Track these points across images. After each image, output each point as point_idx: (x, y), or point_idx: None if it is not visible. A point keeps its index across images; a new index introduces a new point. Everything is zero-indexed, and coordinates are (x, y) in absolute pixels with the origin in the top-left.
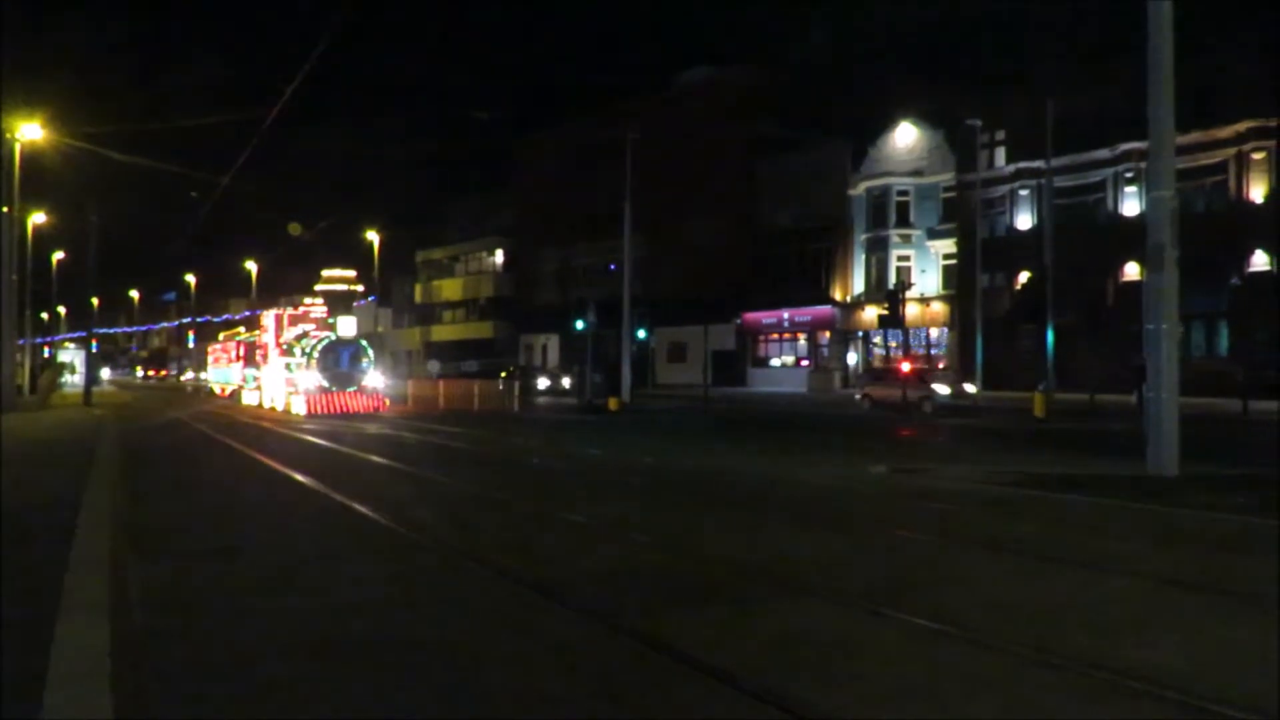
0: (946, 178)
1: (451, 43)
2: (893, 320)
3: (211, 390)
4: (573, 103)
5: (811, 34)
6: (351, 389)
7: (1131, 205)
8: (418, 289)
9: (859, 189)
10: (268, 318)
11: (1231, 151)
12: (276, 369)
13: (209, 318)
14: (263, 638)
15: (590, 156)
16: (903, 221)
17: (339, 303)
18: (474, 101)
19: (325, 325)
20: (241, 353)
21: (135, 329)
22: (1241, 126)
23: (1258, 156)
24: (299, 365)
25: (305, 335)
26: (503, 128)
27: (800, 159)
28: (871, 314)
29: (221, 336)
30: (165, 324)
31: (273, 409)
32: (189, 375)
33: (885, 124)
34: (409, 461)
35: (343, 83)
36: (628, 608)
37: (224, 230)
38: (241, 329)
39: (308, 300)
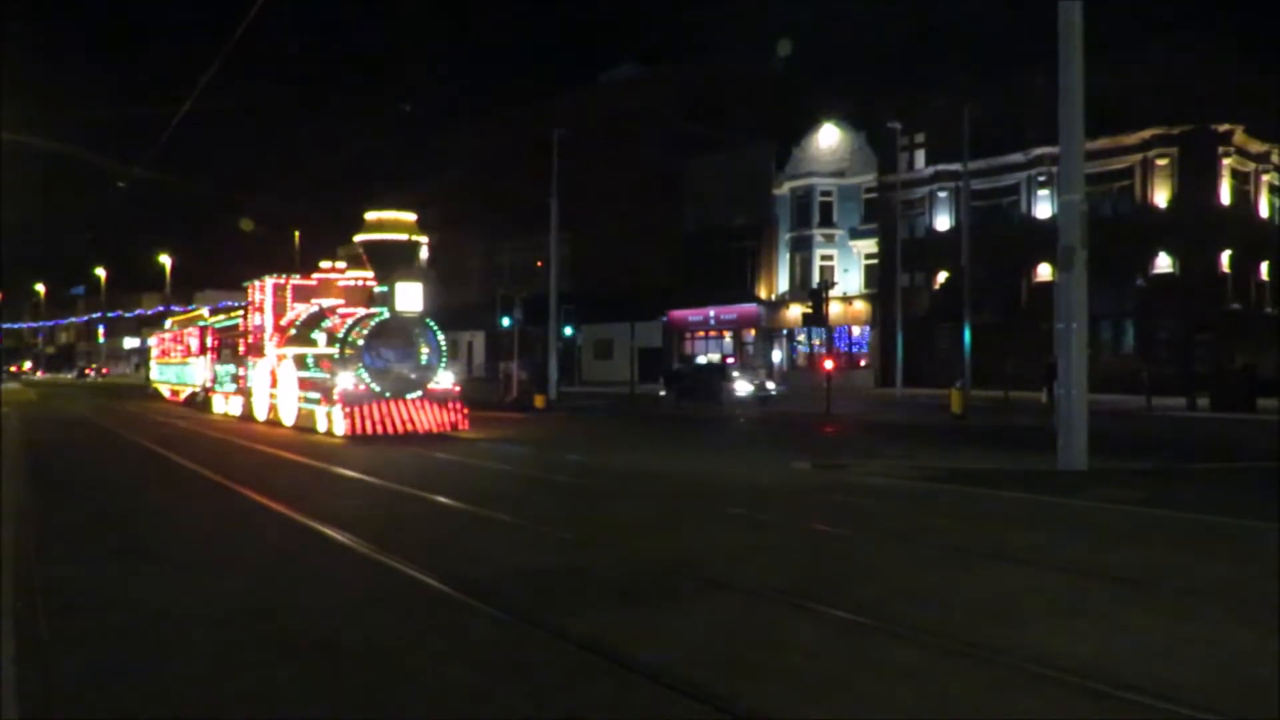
0: (868, 179)
1: (375, 34)
2: (816, 319)
3: (158, 392)
4: (499, 98)
5: (739, 35)
6: (415, 395)
7: (1044, 208)
8: None
9: (783, 189)
10: (261, 290)
11: (1137, 158)
12: (283, 367)
13: (120, 313)
14: None
15: (517, 152)
16: (826, 221)
17: (394, 261)
18: (398, 95)
19: (362, 297)
20: (211, 343)
21: (42, 324)
22: (1146, 134)
23: (1161, 162)
24: (325, 359)
25: (326, 314)
26: (427, 121)
27: (726, 158)
28: (795, 312)
29: (170, 324)
30: (73, 319)
31: (274, 422)
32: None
33: (809, 125)
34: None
35: (262, 75)
36: (554, 606)
37: (136, 223)
38: (204, 311)
39: (325, 264)
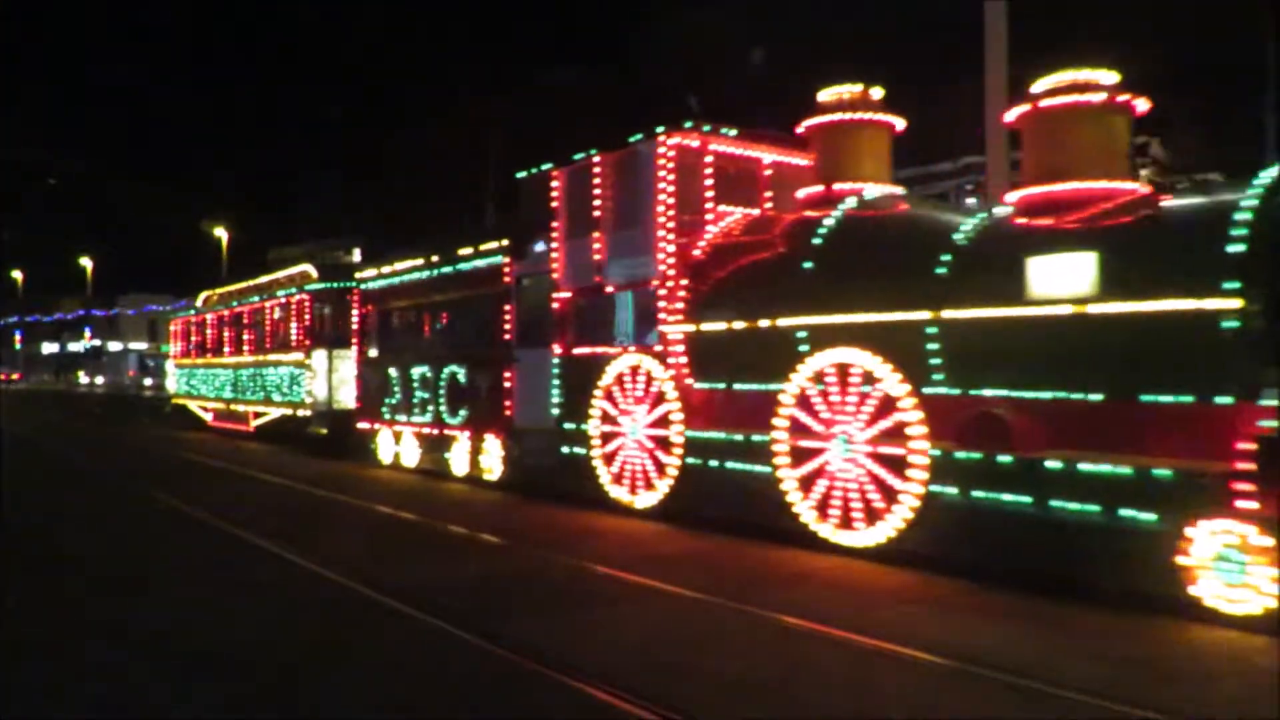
0: None
1: (310, 32)
2: None
3: (185, 413)
4: (436, 96)
5: (668, 37)
6: None
7: None
8: None
9: None
10: (618, 165)
11: None
12: (808, 370)
13: (38, 317)
14: None
15: (453, 153)
16: None
17: None
18: (331, 95)
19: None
20: (355, 323)
21: None
22: None
23: None
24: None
25: (888, 217)
26: (359, 122)
27: None
28: None
29: (203, 300)
30: None
31: (685, 520)
32: None
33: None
34: None
35: (192, 74)
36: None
37: (51, 224)
38: (308, 268)
39: (832, 93)
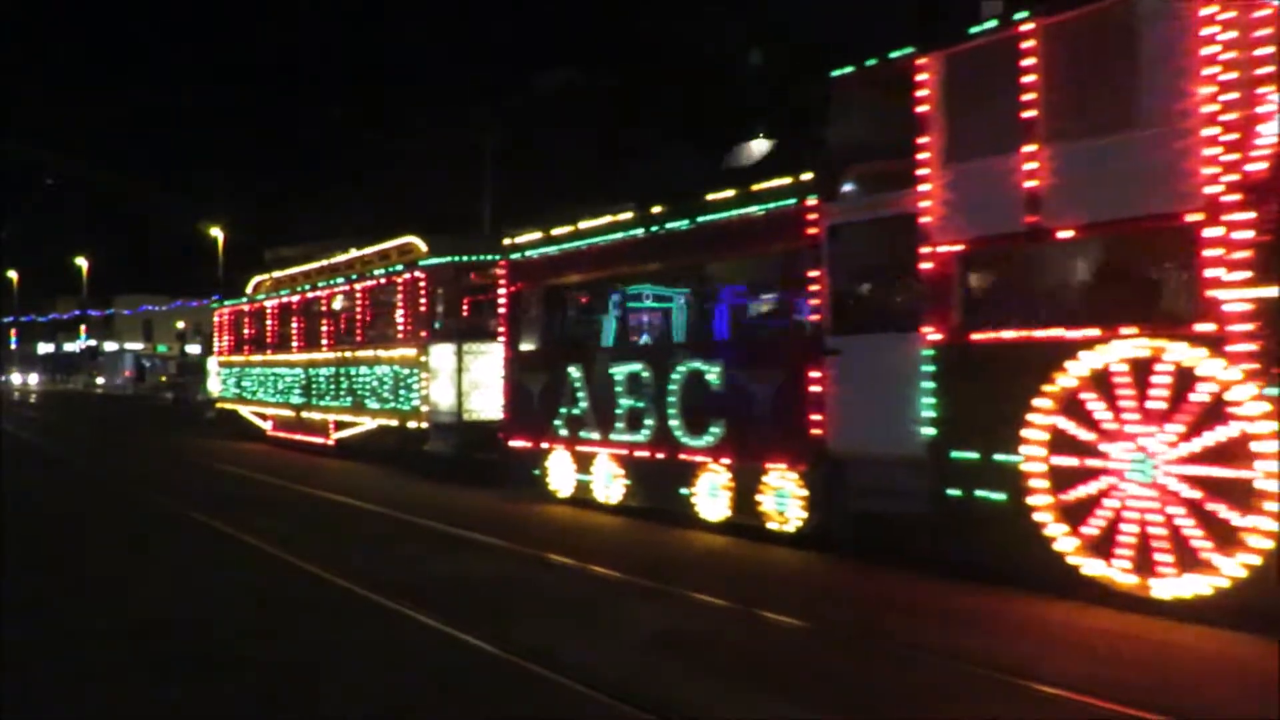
0: None
1: (309, 31)
2: None
3: (231, 414)
4: (434, 96)
5: (674, 37)
6: None
7: None
8: None
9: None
10: None
11: None
12: None
13: (34, 316)
14: None
15: (450, 154)
16: None
17: None
18: (327, 96)
19: None
20: (563, 300)
21: None
22: None
23: None
24: None
25: None
26: (356, 123)
27: (662, 164)
28: None
29: (254, 284)
30: None
31: None
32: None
33: (745, 133)
34: None
35: (191, 74)
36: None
37: (52, 224)
38: (417, 240)
39: None
